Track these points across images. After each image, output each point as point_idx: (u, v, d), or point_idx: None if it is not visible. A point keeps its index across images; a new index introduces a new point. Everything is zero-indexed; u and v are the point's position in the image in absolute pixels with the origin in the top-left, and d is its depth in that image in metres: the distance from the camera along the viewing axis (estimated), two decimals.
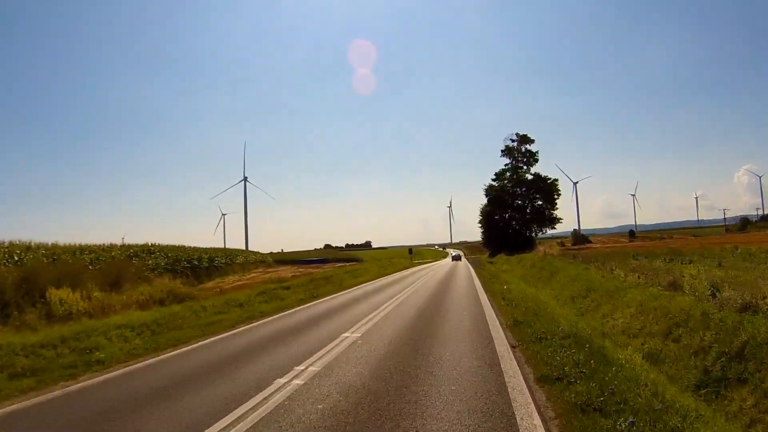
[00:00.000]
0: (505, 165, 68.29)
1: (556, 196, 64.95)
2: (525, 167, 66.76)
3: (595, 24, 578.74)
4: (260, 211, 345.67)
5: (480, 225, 70.68)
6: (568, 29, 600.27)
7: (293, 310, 14.24)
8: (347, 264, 64.29)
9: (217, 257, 52.56)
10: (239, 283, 32.51)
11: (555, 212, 65.90)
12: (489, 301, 13.95)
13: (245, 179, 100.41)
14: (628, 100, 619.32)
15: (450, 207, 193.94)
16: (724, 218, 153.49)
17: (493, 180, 68.70)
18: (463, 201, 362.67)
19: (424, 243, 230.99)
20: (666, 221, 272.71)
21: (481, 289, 18.30)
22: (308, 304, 15.59)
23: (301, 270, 49.46)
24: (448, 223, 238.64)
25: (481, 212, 69.37)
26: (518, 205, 66.89)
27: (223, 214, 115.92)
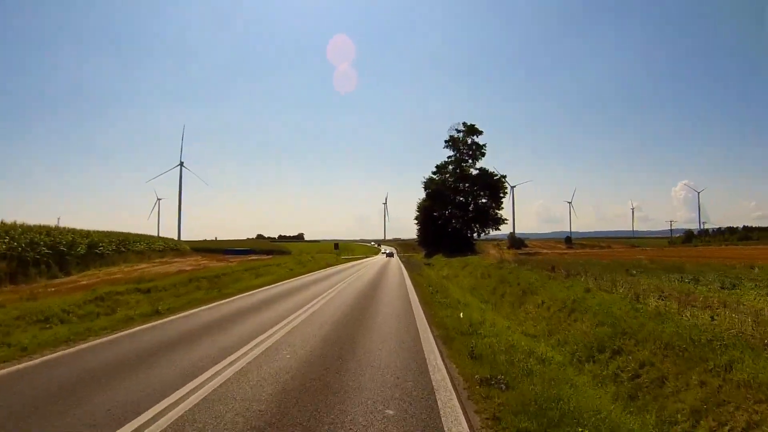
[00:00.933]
0: (449, 157, 63.36)
1: (502, 195, 60.87)
2: (470, 161, 62.09)
3: (541, 32, 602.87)
4: (197, 198, 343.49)
5: (416, 221, 65.42)
6: (514, 37, 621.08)
7: (67, 351, 7.25)
8: (270, 256, 57.52)
9: (102, 243, 42.77)
10: (100, 279, 24.16)
11: (500, 212, 61.85)
12: (440, 355, 6.99)
13: (181, 164, 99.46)
14: (570, 110, 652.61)
15: (385, 203, 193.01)
16: (671, 230, 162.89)
17: (434, 173, 63.68)
18: (401, 198, 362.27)
19: (358, 238, 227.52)
20: (601, 229, 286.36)
21: (423, 316, 11.53)
22: (108, 337, 8.52)
23: (213, 261, 43.22)
24: (383, 219, 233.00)
25: (419, 207, 64.08)
26: (460, 202, 62.19)
27: (159, 199, 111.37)
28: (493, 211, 60.83)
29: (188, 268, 30.41)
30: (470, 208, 61.90)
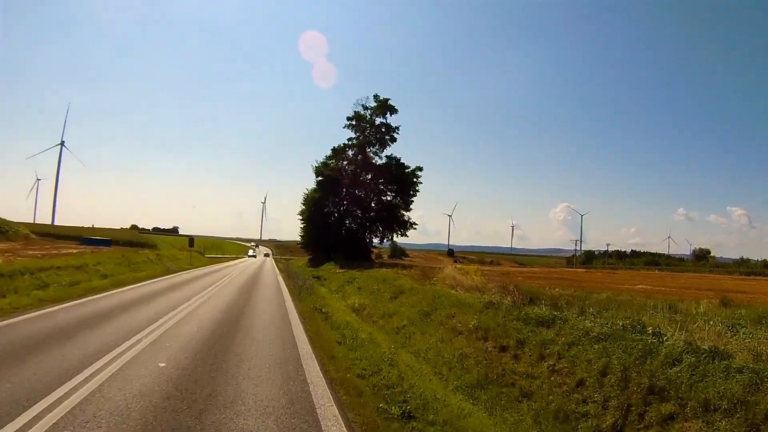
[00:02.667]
0: (349, 140, 49.56)
1: (412, 193, 48.61)
2: (377, 146, 49.07)
3: (434, 47, 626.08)
4: (79, 182, 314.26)
5: (301, 217, 49.80)
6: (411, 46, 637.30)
7: None
8: (130, 249, 44.52)
9: None
10: None
11: (408, 214, 49.43)
12: None
13: (62, 143, 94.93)
14: (454, 121, 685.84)
15: (264, 203, 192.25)
16: (575, 250, 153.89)
17: (329, 158, 48.89)
18: (280, 198, 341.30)
19: (235, 236, 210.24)
20: (478, 244, 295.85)
21: None
22: None
23: (44, 250, 30.34)
24: (260, 218, 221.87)
25: (306, 199, 48.70)
26: (360, 197, 48.66)
27: (38, 179, 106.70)
28: (400, 212, 48.39)
29: None
30: (372, 205, 48.80)
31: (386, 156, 48.59)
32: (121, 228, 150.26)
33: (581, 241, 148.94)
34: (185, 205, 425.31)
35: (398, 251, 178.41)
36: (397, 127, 49.20)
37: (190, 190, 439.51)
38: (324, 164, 47.48)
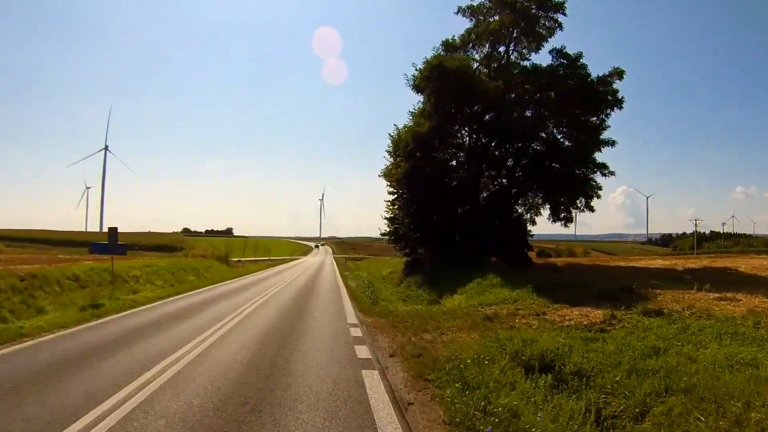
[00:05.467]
0: (468, 31, 25.66)
1: (601, 120, 23.70)
2: (525, 41, 25.10)
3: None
4: (128, 189, 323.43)
5: (389, 185, 26.10)
6: None
7: None
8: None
9: None
10: None
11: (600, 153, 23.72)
12: None
13: (106, 148, 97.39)
14: None
15: (322, 200, 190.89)
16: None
17: (436, 59, 24.12)
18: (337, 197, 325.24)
19: (293, 235, 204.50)
20: (541, 232, 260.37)
21: None
22: None
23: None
24: (318, 216, 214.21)
25: (397, 145, 24.20)
26: (510, 134, 24.21)
27: (87, 188, 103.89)
28: (582, 163, 23.59)
29: None
30: (538, 148, 24.55)
31: (555, 51, 23.92)
32: (173, 232, 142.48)
33: (647, 224, 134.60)
34: (241, 207, 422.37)
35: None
36: (561, 3, 24.56)
37: (245, 192, 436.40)
38: (436, 60, 22.68)
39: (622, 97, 23.34)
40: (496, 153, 24.81)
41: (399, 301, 19.05)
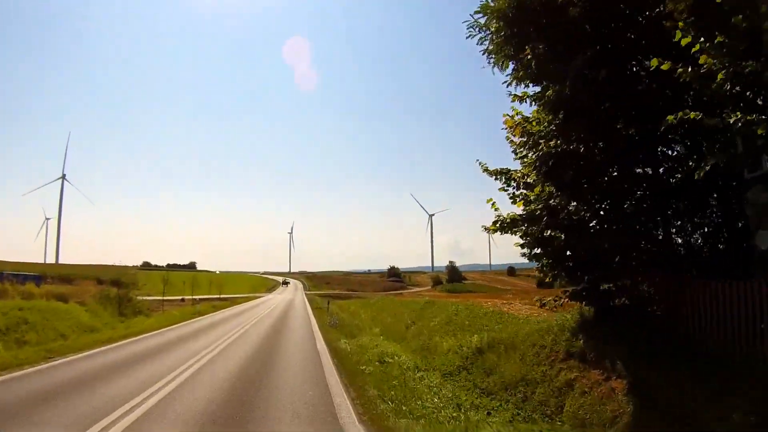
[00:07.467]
0: None
1: None
2: None
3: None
4: (91, 220, 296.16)
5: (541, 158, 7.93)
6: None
7: None
8: None
9: None
10: None
11: None
12: None
13: (63, 177, 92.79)
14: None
15: (291, 233, 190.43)
16: None
17: None
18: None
19: (262, 270, 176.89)
20: (518, 261, 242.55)
21: None
22: None
23: None
24: (288, 250, 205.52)
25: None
26: None
27: (47, 219, 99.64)
28: None
29: None
30: None
31: None
32: (122, 265, 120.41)
33: None
34: (208, 241, 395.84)
35: (457, 275, 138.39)
36: None
37: (213, 226, 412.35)
38: None
39: None
40: None
41: None
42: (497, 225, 8.00)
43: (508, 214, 8.05)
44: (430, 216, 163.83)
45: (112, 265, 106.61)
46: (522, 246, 8.04)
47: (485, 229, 8.29)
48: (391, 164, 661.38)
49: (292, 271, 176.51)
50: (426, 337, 14.37)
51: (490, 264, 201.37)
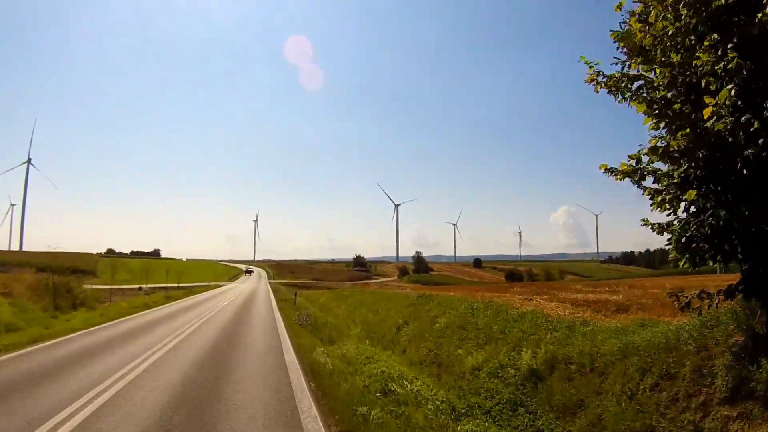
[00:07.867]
0: None
1: None
2: None
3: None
4: (50, 205, 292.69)
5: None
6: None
7: None
8: None
9: None
10: None
11: None
12: None
13: (29, 161, 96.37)
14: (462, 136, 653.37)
15: (256, 221, 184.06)
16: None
17: None
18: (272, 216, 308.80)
19: (227, 258, 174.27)
20: (480, 253, 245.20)
21: None
22: None
23: None
24: (253, 238, 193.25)
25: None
26: None
27: (12, 205, 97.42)
28: None
29: None
30: None
31: None
32: (86, 252, 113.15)
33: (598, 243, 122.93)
34: (173, 229, 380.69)
35: (423, 265, 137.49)
36: None
37: (178, 213, 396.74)
38: None
39: None
40: None
41: None
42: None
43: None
44: (397, 206, 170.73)
45: (72, 252, 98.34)
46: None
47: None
48: (360, 156, 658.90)
49: (256, 259, 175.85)
50: (432, 345, 10.75)
51: (455, 255, 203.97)
